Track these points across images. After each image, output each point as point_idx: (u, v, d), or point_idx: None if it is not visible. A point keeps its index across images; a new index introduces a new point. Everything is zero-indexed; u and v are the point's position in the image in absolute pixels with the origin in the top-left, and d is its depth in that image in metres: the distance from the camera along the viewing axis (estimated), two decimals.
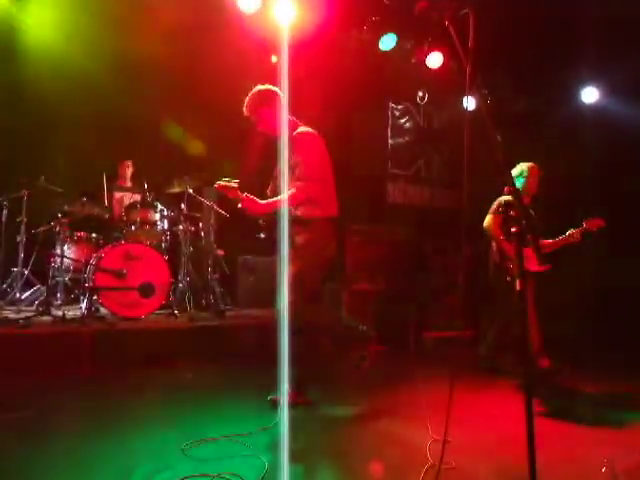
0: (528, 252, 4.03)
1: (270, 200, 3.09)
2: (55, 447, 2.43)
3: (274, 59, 5.77)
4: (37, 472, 2.18)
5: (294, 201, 3.03)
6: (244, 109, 3.16)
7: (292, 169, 3.08)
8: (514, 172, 4.37)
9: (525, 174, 4.32)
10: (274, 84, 3.16)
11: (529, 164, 4.36)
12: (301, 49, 5.00)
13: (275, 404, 3.05)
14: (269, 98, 3.13)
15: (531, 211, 4.29)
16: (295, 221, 3.08)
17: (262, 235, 3.15)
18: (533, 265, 4.02)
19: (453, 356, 5.32)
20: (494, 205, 4.23)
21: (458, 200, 7.52)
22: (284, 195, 3.03)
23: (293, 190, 3.01)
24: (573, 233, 4.31)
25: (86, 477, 2.15)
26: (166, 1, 5.30)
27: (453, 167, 7.71)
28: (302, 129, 3.14)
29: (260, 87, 3.17)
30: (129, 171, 5.87)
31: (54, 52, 5.11)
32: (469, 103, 4.74)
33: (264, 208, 3.08)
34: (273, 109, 3.11)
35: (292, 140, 3.08)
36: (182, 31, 5.65)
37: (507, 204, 3.97)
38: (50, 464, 2.25)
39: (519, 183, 4.33)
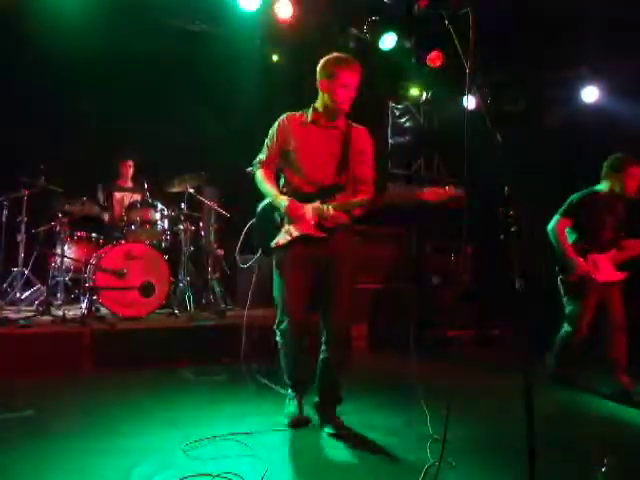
0: (602, 260, 3.63)
1: (355, 207, 2.77)
2: (55, 447, 2.42)
3: (275, 58, 5.76)
4: (37, 472, 2.17)
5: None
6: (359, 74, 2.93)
7: (355, 163, 2.84)
8: (606, 164, 3.72)
9: (622, 172, 3.60)
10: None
11: (627, 158, 3.63)
12: (301, 49, 5.00)
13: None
14: None
15: (619, 213, 3.72)
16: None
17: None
18: (605, 274, 3.60)
19: (453, 356, 5.33)
20: (564, 205, 3.75)
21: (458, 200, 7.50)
22: (366, 201, 2.67)
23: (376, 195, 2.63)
24: None
25: (86, 477, 2.15)
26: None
27: (453, 167, 7.71)
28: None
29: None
30: (131, 171, 5.86)
31: (54, 50, 5.10)
32: (469, 102, 4.72)
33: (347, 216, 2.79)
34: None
35: (360, 132, 2.93)
36: (183, 29, 5.66)
37: (579, 203, 3.73)
38: (50, 464, 2.24)
39: (608, 182, 3.67)
